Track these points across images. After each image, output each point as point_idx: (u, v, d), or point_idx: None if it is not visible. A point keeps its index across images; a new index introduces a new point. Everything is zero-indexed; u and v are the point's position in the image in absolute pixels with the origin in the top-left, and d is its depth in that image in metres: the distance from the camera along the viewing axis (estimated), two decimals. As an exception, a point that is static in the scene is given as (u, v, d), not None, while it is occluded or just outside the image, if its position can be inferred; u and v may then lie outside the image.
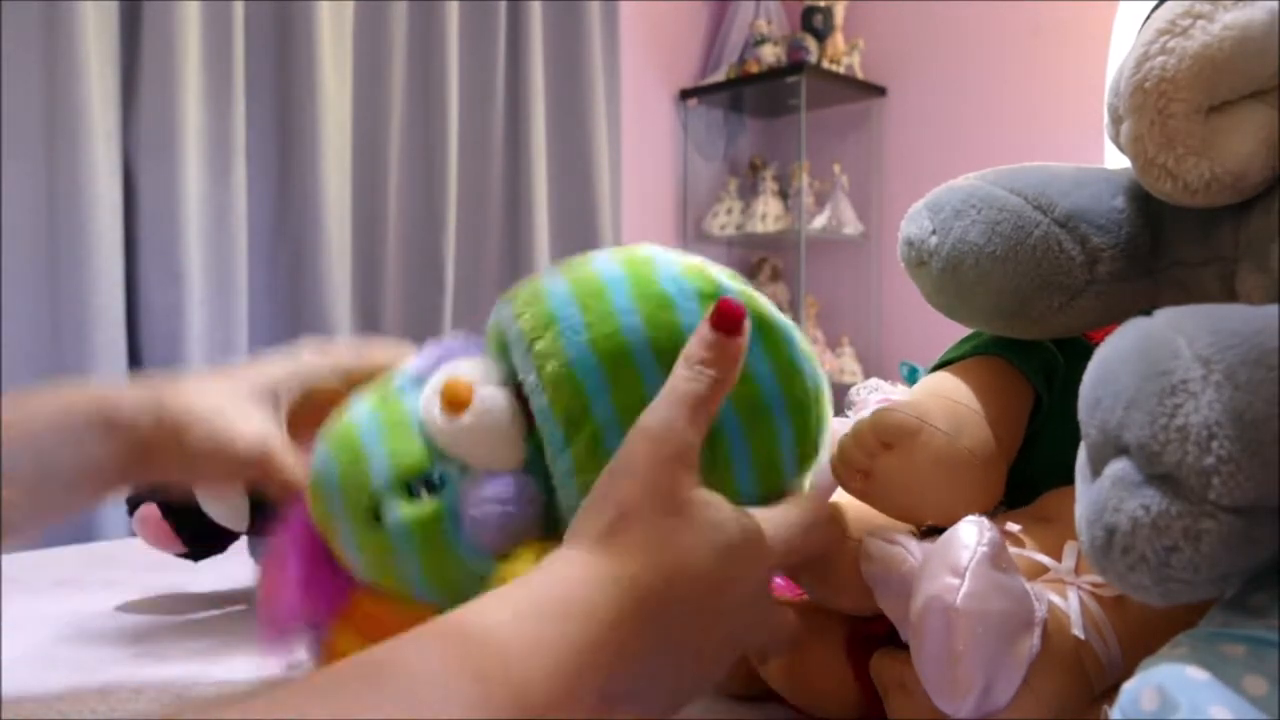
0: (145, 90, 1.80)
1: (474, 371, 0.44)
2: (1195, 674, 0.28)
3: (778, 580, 0.61)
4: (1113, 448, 0.30)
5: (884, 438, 0.45)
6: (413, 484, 0.43)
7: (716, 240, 3.25)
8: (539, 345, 0.41)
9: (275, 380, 0.53)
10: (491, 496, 0.41)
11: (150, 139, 1.80)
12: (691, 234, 3.22)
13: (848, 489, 0.47)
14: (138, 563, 0.89)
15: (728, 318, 0.39)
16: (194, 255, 1.84)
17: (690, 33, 3.22)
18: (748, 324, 0.40)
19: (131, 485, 0.49)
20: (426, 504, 0.42)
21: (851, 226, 3.10)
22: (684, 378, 0.39)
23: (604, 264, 0.44)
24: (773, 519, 0.40)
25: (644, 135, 3.04)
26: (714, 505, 0.38)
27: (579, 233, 2.64)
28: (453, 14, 2.31)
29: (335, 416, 0.46)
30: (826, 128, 3.18)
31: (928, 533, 0.45)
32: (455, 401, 0.43)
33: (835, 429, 0.47)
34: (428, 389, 0.45)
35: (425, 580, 0.43)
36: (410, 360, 0.48)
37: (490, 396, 0.43)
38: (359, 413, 0.45)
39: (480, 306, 2.36)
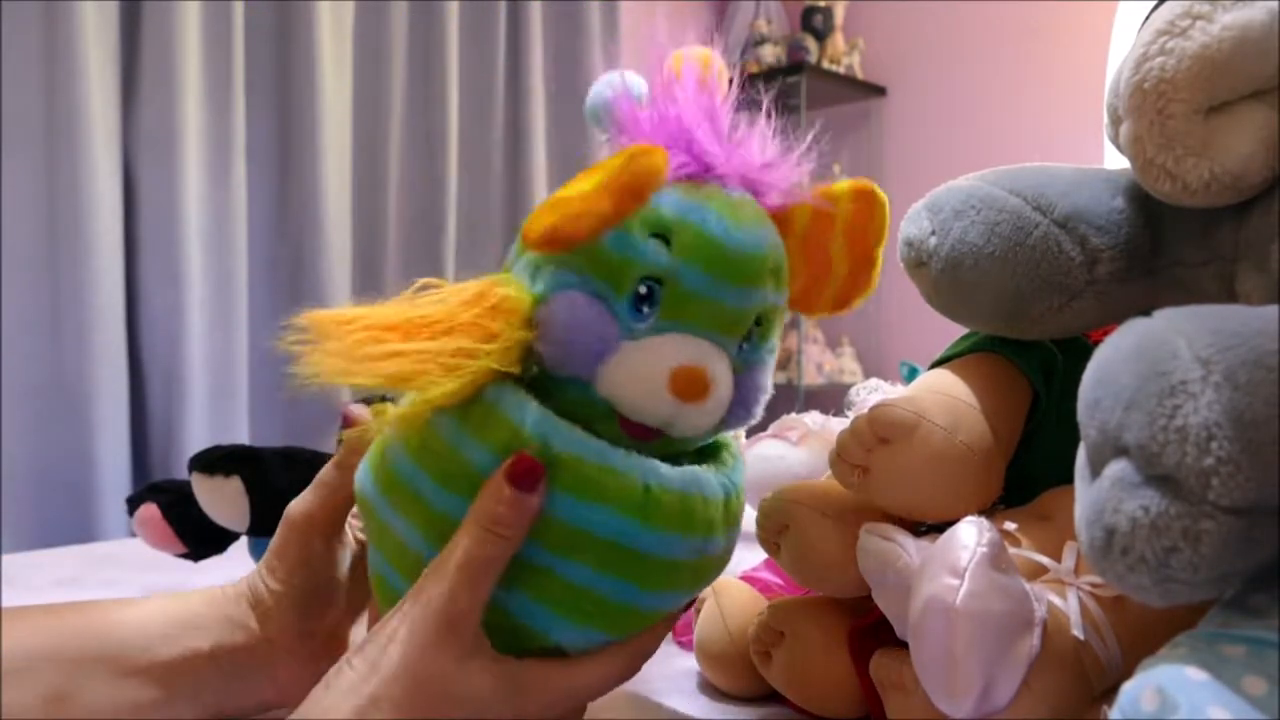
0: (145, 90, 1.80)
1: None
2: (1195, 674, 0.28)
3: (777, 579, 0.61)
4: (1112, 448, 0.30)
5: (881, 433, 0.45)
6: None
7: (716, 240, 3.24)
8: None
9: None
10: None
11: (150, 139, 1.80)
12: (691, 234, 3.21)
13: (845, 484, 0.47)
14: (138, 563, 0.89)
15: (527, 475, 0.37)
16: (194, 255, 1.83)
17: (690, 33, 3.21)
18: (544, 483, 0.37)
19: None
20: None
21: (851, 226, 3.10)
22: (476, 540, 0.37)
23: None
24: (545, 678, 0.39)
25: (644, 135, 3.03)
26: (475, 677, 0.37)
27: (579, 233, 2.63)
28: (453, 14, 2.31)
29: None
30: (826, 128, 3.17)
31: (924, 531, 0.45)
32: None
33: (834, 430, 0.47)
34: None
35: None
36: None
37: None
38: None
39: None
